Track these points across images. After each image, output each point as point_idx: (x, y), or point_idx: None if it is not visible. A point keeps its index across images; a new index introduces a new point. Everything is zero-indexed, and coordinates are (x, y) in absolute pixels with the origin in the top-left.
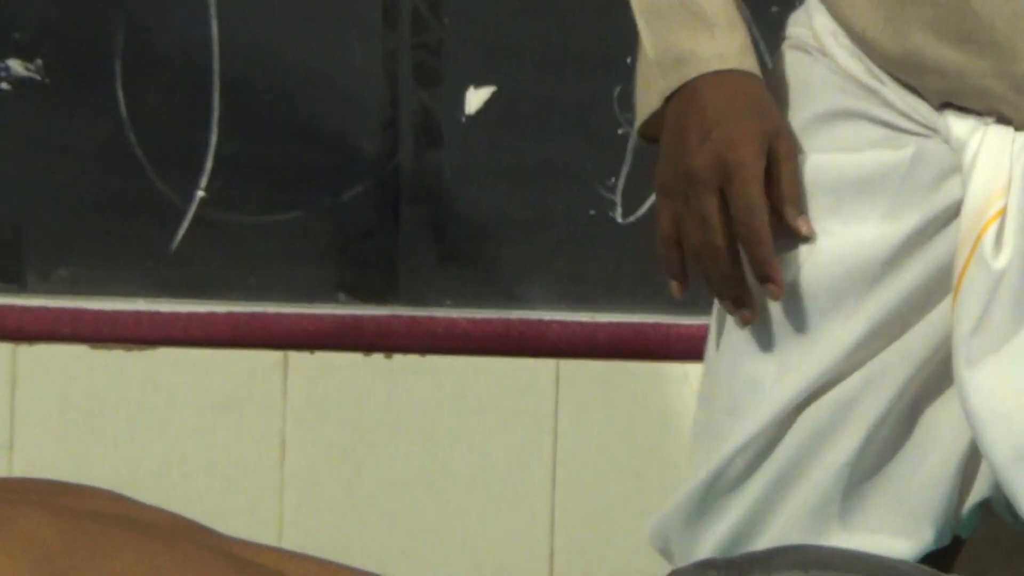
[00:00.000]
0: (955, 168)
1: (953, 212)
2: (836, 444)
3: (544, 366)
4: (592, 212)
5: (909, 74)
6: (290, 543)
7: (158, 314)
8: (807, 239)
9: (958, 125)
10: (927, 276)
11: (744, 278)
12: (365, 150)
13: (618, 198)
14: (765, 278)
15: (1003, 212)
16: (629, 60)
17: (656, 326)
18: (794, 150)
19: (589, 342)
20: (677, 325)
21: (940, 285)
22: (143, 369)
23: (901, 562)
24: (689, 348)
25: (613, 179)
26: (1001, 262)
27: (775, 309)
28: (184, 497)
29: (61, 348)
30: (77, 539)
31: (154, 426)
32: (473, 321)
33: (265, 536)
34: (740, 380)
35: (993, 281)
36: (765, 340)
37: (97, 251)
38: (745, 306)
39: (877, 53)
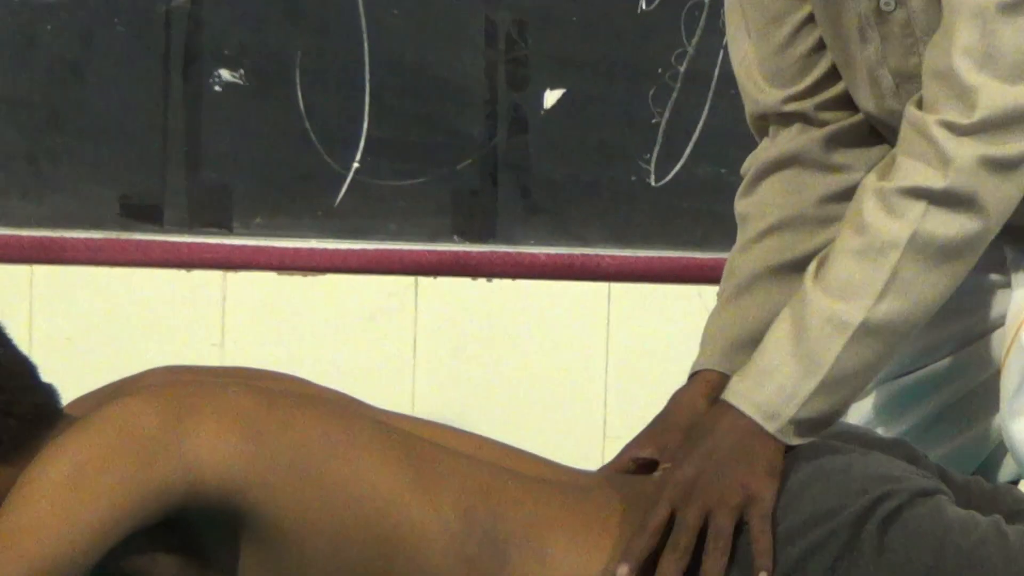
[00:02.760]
0: (1006, 284)
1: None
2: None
3: (599, 288)
4: (633, 178)
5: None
6: (419, 410)
7: (326, 250)
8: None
9: (1013, 256)
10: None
11: None
12: (473, 134)
13: (652, 168)
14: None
15: None
16: (660, 70)
17: (678, 259)
18: None
19: (631, 270)
20: (693, 258)
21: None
22: (315, 289)
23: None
24: (700, 275)
25: (648, 155)
26: None
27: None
28: (343, 383)
29: (257, 275)
30: (270, 409)
31: (322, 331)
32: (549, 255)
33: (401, 406)
34: None
35: None
36: None
37: (283, 206)
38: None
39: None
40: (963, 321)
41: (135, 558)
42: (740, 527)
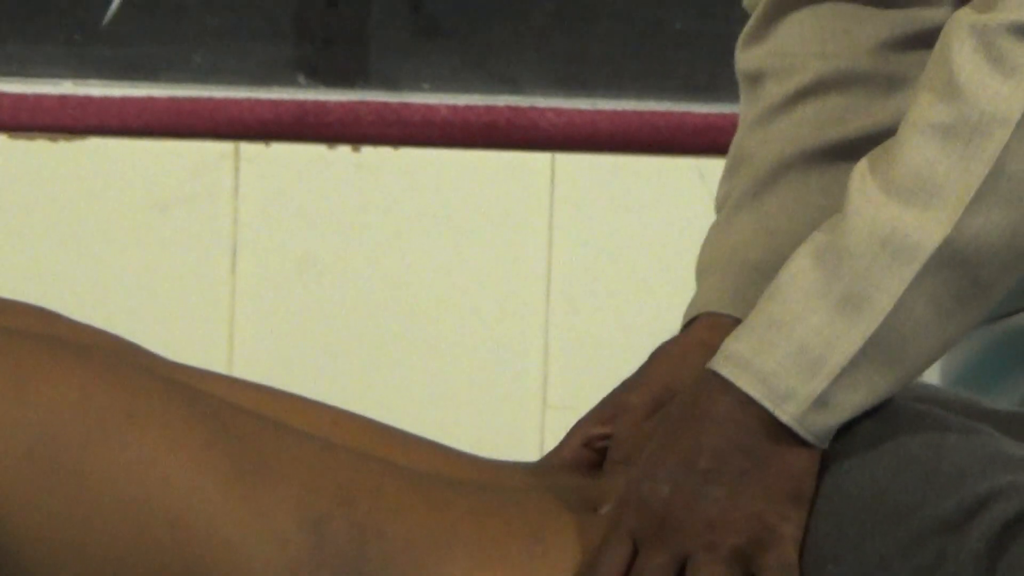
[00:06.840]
0: None
1: None
2: None
3: (537, 160)
4: None
5: None
6: (241, 362)
7: (88, 98)
8: None
9: None
10: None
11: None
12: None
13: None
14: None
15: None
16: None
17: (666, 114)
18: None
19: (589, 132)
20: (691, 113)
21: None
22: (70, 162)
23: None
24: (704, 140)
25: None
26: None
27: None
28: (120, 311)
29: None
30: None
31: (84, 229)
32: (454, 108)
33: (214, 353)
34: None
35: None
36: None
37: (16, 26)
38: None
39: None
40: None
41: None
42: None
